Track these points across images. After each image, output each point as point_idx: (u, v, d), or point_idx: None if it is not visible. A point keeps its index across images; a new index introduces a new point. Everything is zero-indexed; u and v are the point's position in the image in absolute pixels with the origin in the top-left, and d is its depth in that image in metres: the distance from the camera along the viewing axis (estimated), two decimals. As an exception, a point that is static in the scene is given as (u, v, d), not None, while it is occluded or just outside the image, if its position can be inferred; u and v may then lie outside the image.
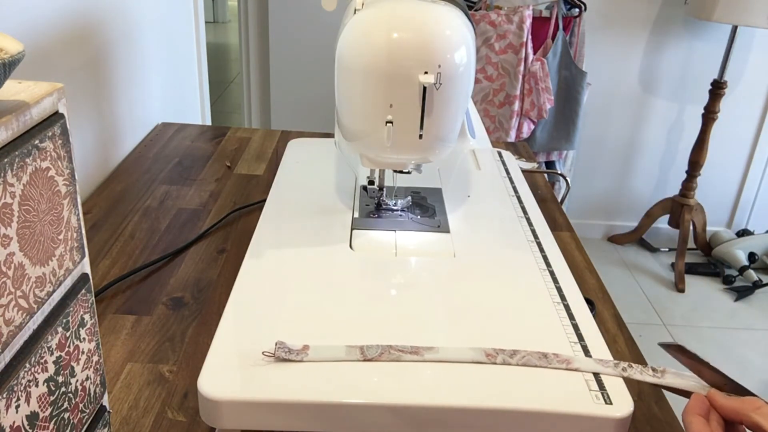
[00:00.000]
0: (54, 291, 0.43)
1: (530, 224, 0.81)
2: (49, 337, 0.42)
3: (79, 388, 0.47)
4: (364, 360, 0.56)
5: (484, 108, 2.26)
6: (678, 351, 0.54)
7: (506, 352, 0.57)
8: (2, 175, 0.35)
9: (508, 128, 2.24)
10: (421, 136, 0.67)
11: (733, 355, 2.15)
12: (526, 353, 0.57)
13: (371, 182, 0.81)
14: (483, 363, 0.56)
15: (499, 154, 1.02)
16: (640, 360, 0.71)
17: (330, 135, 1.13)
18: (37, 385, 0.41)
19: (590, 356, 0.58)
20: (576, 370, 0.56)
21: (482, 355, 0.57)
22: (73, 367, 0.46)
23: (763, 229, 2.76)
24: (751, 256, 2.54)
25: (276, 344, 0.56)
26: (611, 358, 0.59)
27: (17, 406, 0.39)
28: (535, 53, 2.20)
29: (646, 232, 2.70)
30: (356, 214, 0.81)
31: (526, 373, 0.56)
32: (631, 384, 0.56)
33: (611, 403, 0.53)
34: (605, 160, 2.66)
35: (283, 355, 0.55)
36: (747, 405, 0.49)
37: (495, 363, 0.56)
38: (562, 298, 0.67)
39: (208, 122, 1.70)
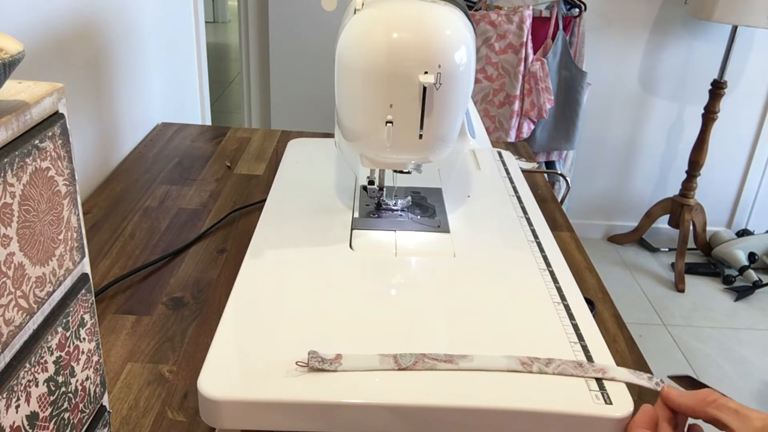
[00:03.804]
0: (54, 291, 0.43)
1: (530, 224, 0.81)
2: (49, 337, 0.42)
3: (79, 388, 0.47)
4: (399, 369, 0.55)
5: (484, 108, 2.26)
6: (687, 382, 0.54)
7: (541, 360, 0.57)
8: (2, 175, 0.35)
9: (508, 128, 2.24)
10: (421, 136, 0.67)
11: (733, 355, 2.15)
12: (561, 362, 0.56)
13: (371, 182, 0.81)
14: (519, 372, 0.56)
15: (499, 154, 1.02)
16: (640, 360, 0.72)
17: (330, 135, 1.12)
18: (37, 385, 0.41)
19: (591, 356, 0.58)
20: (612, 379, 0.56)
21: (518, 364, 0.56)
22: (73, 367, 0.46)
23: (763, 229, 2.76)
24: (751, 256, 2.54)
25: (309, 353, 0.55)
26: (611, 358, 0.59)
27: (17, 406, 0.39)
28: (535, 53, 2.20)
29: (646, 232, 2.70)
30: (356, 214, 0.81)
31: (525, 372, 0.56)
32: (632, 384, 0.56)
33: (611, 403, 0.53)
34: (605, 160, 2.66)
35: (316, 365, 0.55)
36: (702, 399, 0.48)
37: (531, 372, 0.56)
38: (562, 298, 0.67)
39: (208, 122, 1.70)
